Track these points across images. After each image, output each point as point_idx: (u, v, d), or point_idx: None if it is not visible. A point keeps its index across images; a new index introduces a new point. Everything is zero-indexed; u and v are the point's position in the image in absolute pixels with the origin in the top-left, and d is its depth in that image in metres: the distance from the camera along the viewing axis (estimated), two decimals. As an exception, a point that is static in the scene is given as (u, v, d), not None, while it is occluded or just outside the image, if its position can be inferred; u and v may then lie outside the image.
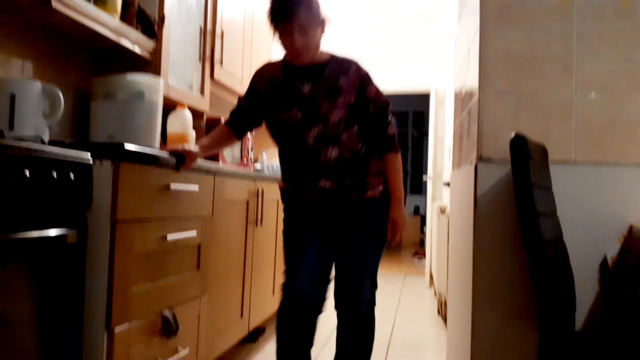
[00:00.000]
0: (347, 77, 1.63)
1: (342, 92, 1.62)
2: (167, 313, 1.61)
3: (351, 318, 1.70)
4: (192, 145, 1.67)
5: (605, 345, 1.30)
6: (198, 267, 1.85)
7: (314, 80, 1.64)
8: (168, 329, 1.61)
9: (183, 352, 1.71)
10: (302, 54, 1.59)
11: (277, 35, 1.60)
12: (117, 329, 1.37)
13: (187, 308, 1.76)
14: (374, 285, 1.71)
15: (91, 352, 1.33)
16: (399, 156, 1.69)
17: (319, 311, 1.71)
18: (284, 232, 1.76)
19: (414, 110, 10.18)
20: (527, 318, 1.44)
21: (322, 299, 1.71)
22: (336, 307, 1.72)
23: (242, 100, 1.79)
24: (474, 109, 1.59)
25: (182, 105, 2.11)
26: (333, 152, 1.62)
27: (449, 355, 2.07)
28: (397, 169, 1.68)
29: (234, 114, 1.79)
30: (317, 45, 1.63)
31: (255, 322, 2.50)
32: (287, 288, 1.71)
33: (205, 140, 1.74)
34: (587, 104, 1.50)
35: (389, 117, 1.68)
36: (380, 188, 1.67)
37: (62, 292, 1.20)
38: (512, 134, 1.22)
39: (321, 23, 1.60)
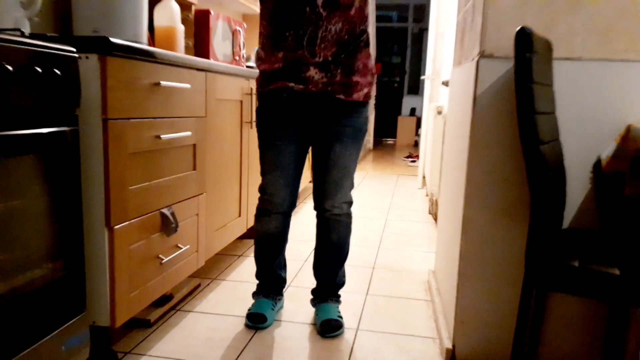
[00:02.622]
0: None
1: None
2: (165, 211, 1.64)
3: (333, 217, 1.77)
4: None
5: (589, 242, 1.35)
6: (194, 167, 1.85)
7: None
8: (167, 225, 1.65)
9: (184, 249, 1.77)
10: None
11: None
12: (117, 227, 1.40)
13: (185, 206, 1.79)
14: (352, 186, 1.76)
15: (93, 250, 1.37)
16: None
17: (291, 212, 1.81)
18: (260, 133, 1.72)
19: (414, 4, 9.69)
20: (516, 216, 1.48)
21: (294, 202, 1.79)
22: (317, 207, 1.78)
23: None
24: (479, 1, 1.51)
25: (168, -4, 1.98)
26: (336, 26, 1.55)
27: (438, 247, 2.16)
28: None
29: None
30: None
31: (253, 219, 2.57)
32: (263, 193, 1.76)
33: None
34: (598, -4, 1.41)
35: None
36: (365, 90, 1.65)
37: (58, 191, 1.21)
38: (518, 28, 1.17)
39: None
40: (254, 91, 2.42)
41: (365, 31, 1.62)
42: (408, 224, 3.36)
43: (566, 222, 1.48)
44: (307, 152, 1.76)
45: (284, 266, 1.92)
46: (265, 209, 1.78)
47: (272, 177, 1.71)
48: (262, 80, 1.68)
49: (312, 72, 1.57)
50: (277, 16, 1.58)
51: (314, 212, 1.80)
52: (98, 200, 1.36)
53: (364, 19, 1.60)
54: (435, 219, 3.29)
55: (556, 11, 1.43)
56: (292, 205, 1.78)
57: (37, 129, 1.12)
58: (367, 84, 1.66)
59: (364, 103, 1.68)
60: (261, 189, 1.76)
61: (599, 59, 1.44)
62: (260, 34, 1.65)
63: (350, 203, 1.78)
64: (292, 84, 1.60)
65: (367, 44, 1.64)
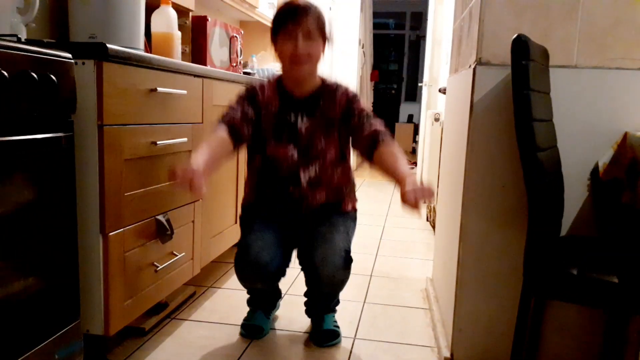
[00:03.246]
0: (338, 104, 1.59)
1: (335, 124, 1.59)
2: (161, 218, 1.63)
3: (330, 273, 1.54)
4: (194, 162, 1.27)
5: (587, 250, 1.34)
6: (190, 173, 1.84)
7: (310, 114, 1.58)
8: (163, 233, 1.63)
9: (179, 256, 1.76)
10: (302, 62, 1.50)
11: (278, 43, 1.53)
12: (112, 234, 1.38)
13: (181, 213, 1.78)
14: (348, 257, 1.56)
15: (87, 257, 1.36)
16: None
17: (280, 278, 1.72)
18: (243, 227, 1.67)
19: (412, 11, 9.74)
20: (514, 223, 1.48)
21: (284, 269, 1.68)
22: (306, 268, 1.63)
23: (237, 105, 1.57)
24: (476, 8, 1.51)
25: (166, 2, 1.98)
26: (320, 195, 1.62)
27: (436, 254, 2.15)
28: (400, 151, 1.50)
29: (229, 119, 1.51)
30: (317, 60, 1.55)
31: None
32: (245, 255, 1.56)
33: (202, 155, 1.33)
34: (594, 2, 1.42)
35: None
36: (350, 206, 1.71)
37: (52, 198, 1.20)
38: (514, 36, 1.17)
39: (325, 39, 1.55)
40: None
41: (349, 183, 1.71)
42: (406, 231, 3.36)
43: (564, 230, 1.48)
44: (292, 246, 1.69)
45: (277, 290, 1.87)
46: (247, 270, 1.58)
47: (255, 236, 1.57)
48: (245, 198, 1.75)
49: (290, 206, 1.64)
50: (261, 186, 1.66)
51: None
52: (93, 207, 1.34)
53: (348, 176, 1.70)
54: (433, 227, 3.28)
55: (552, 19, 1.43)
56: (280, 271, 1.66)
57: (32, 134, 1.11)
58: (353, 201, 1.74)
59: (352, 212, 1.73)
60: (242, 250, 1.57)
61: (596, 66, 1.44)
62: (245, 182, 1.74)
63: (348, 262, 1.56)
64: (272, 212, 1.66)
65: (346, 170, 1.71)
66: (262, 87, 1.62)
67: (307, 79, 1.59)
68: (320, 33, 1.52)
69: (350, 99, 1.60)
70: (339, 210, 1.68)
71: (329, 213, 1.65)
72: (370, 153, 1.51)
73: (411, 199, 1.22)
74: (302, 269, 1.66)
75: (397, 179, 1.36)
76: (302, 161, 1.59)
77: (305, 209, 1.62)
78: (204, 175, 1.22)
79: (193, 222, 1.89)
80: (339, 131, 1.60)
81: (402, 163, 1.41)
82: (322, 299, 1.76)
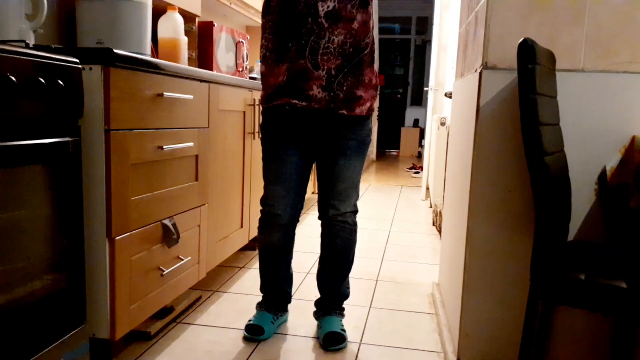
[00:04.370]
0: None
1: None
2: (167, 222, 1.63)
3: (339, 223, 1.75)
4: None
5: (595, 255, 1.33)
6: (197, 178, 1.85)
7: None
8: (169, 237, 1.64)
9: (185, 260, 1.76)
10: None
11: None
12: (118, 238, 1.39)
13: (187, 218, 1.78)
14: (357, 196, 1.75)
15: (93, 261, 1.36)
16: None
17: (295, 226, 1.80)
18: (264, 145, 1.72)
19: (417, 16, 9.75)
20: (521, 228, 1.47)
21: (297, 217, 1.78)
22: (322, 217, 1.77)
23: None
24: (482, 12, 1.51)
25: (172, 7, 1.99)
26: (339, 37, 1.54)
27: (442, 259, 2.14)
28: None
29: None
30: None
31: (255, 231, 2.56)
32: (264, 205, 1.74)
33: None
34: (601, 7, 1.41)
35: None
36: (368, 104, 1.65)
37: (59, 202, 1.20)
38: (520, 40, 1.16)
39: None
40: (257, 102, 2.42)
41: (369, 45, 1.61)
42: (412, 235, 3.35)
43: (571, 234, 1.47)
44: (311, 165, 1.75)
45: (289, 281, 1.89)
46: (267, 221, 1.76)
47: (274, 189, 1.70)
48: (265, 96, 1.68)
49: (315, 91, 1.57)
50: (279, 28, 1.58)
51: (317, 223, 1.79)
52: (99, 211, 1.35)
53: (367, 33, 1.60)
54: (439, 231, 3.27)
55: (559, 23, 1.43)
56: (293, 217, 1.76)
57: (40, 139, 1.12)
58: (370, 98, 1.66)
59: (367, 116, 1.68)
60: (262, 200, 1.75)
61: (603, 70, 1.43)
62: (262, 46, 1.65)
63: (355, 212, 1.77)
64: (295, 101, 1.59)
65: (372, 59, 1.64)
66: None
67: None
68: None
69: None
70: (353, 118, 1.63)
71: (345, 125, 1.63)
72: None
73: None
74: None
75: None
76: None
77: (324, 50, 1.54)
78: None
79: (199, 226, 1.89)
80: None
81: None
82: (334, 270, 1.80)
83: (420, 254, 2.92)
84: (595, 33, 1.43)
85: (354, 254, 1.82)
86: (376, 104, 7.84)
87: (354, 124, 1.65)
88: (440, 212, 3.27)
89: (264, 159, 1.72)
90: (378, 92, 1.71)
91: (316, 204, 1.78)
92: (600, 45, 1.43)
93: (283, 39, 1.58)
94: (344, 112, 1.61)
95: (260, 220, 1.79)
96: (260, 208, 1.76)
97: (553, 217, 1.22)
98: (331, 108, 1.59)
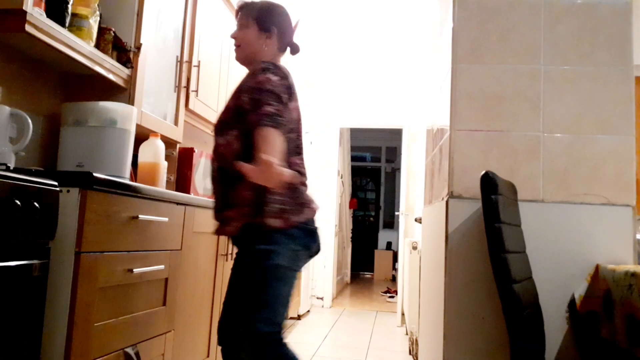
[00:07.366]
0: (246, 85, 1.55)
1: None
2: (130, 350, 1.54)
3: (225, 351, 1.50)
4: None
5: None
6: (164, 302, 1.79)
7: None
8: (130, 367, 1.53)
9: (145, 392, 1.63)
10: (235, 50, 1.63)
11: None
12: (76, 367, 1.30)
13: (152, 346, 1.69)
14: (247, 313, 1.45)
15: (46, 392, 1.25)
16: (272, 131, 1.37)
17: None
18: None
19: (386, 146, 10.33)
20: (497, 355, 1.43)
21: None
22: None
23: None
24: (446, 146, 1.62)
25: (155, 134, 2.08)
26: (214, 165, 1.58)
27: (420, 394, 2.03)
28: (267, 142, 1.36)
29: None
30: (247, 45, 1.60)
31: None
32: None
33: None
34: (553, 144, 1.54)
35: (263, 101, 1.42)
36: (237, 224, 1.47)
37: (17, 327, 1.14)
38: (482, 172, 1.25)
39: (259, 25, 1.59)
40: (232, 225, 2.43)
41: (232, 165, 1.46)
42: (387, 365, 3.20)
43: (548, 365, 1.44)
44: None
45: None
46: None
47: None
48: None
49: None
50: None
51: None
52: (59, 338, 1.27)
53: (234, 152, 1.49)
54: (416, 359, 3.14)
55: (517, 157, 1.55)
56: None
57: (4, 262, 1.09)
58: (242, 217, 1.47)
59: (239, 237, 1.52)
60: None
61: (561, 201, 1.52)
62: None
63: (249, 333, 1.43)
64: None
65: (240, 176, 1.40)
66: None
67: (245, 64, 1.62)
68: (250, 19, 1.60)
69: (256, 83, 1.45)
70: (237, 238, 1.52)
71: (235, 245, 1.56)
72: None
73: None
74: None
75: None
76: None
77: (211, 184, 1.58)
78: None
79: (163, 355, 1.78)
80: (233, 107, 1.53)
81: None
82: None
83: (397, 385, 2.76)
84: (551, 167, 1.54)
85: None
86: (349, 227, 7.94)
87: (238, 244, 1.56)
88: (416, 340, 3.17)
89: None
90: (312, 212, 1.56)
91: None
92: (557, 177, 1.54)
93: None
94: (220, 233, 1.57)
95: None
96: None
97: (527, 347, 1.21)
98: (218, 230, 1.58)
